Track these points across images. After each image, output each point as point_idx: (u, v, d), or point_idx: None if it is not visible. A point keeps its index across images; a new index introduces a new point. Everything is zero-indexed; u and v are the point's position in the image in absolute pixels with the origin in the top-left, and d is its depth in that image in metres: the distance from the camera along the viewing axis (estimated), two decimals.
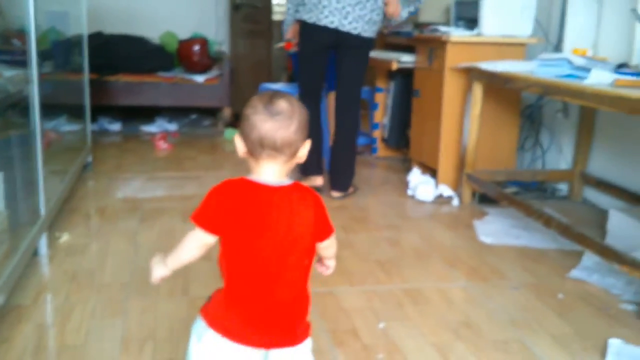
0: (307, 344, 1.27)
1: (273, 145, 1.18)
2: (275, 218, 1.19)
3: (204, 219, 1.19)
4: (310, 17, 3.01)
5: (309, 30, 3.05)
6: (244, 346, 1.18)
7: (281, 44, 3.51)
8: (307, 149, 1.24)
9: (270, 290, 1.20)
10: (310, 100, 3.16)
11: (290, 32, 3.25)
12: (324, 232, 1.28)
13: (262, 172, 1.21)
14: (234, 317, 1.20)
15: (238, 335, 1.19)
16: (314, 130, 3.24)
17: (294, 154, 1.21)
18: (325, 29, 2.98)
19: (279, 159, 1.20)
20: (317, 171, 3.25)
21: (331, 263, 1.38)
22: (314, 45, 3.08)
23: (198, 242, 1.21)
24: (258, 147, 1.19)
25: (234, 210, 1.18)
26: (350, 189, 3.19)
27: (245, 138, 1.20)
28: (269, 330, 1.20)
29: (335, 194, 3.15)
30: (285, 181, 1.22)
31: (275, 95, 1.21)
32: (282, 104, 1.19)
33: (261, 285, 1.20)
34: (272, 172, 1.21)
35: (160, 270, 1.26)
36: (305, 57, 3.18)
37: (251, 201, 1.19)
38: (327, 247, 1.32)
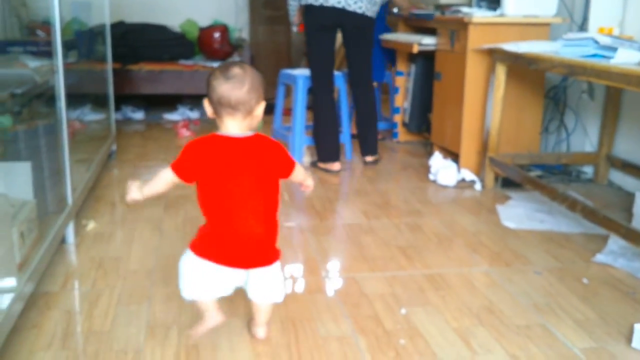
0: (278, 265, 1.60)
1: (229, 103, 1.48)
2: (240, 163, 1.50)
3: (180, 168, 1.51)
4: (316, 0, 3.13)
5: (315, 13, 3.17)
6: (221, 265, 1.53)
7: (296, 27, 3.57)
8: (263, 108, 1.53)
9: (242, 222, 1.51)
10: (323, 84, 3.26)
11: (297, 17, 3.40)
12: (287, 169, 1.59)
13: (226, 128, 1.51)
14: (216, 246, 1.53)
15: (220, 259, 1.52)
16: (329, 116, 3.29)
17: (249, 111, 1.50)
18: (332, 10, 3.12)
19: (237, 115, 1.49)
20: (335, 157, 3.29)
21: (308, 182, 1.69)
22: (321, 27, 3.20)
23: (169, 181, 1.53)
24: (218, 106, 1.49)
25: (205, 160, 1.49)
26: (377, 156, 3.49)
27: (210, 100, 1.50)
28: (246, 254, 1.53)
29: (369, 158, 3.45)
30: (248, 133, 1.53)
31: (231, 63, 1.51)
32: (235, 70, 1.49)
33: (234, 219, 1.51)
34: (233, 126, 1.51)
35: (135, 194, 1.55)
36: (314, 40, 3.29)
37: (219, 151, 1.50)
38: (296, 177, 1.63)
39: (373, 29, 3.32)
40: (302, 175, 1.66)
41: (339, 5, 3.11)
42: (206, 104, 1.52)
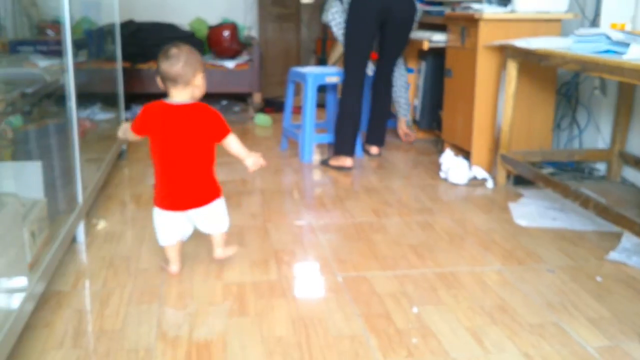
0: (219, 202, 2.01)
1: (169, 76, 1.88)
2: (178, 125, 1.89)
3: (134, 126, 1.95)
4: None
5: (360, 3, 3.21)
6: (170, 211, 1.95)
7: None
8: (201, 79, 1.91)
9: (177, 173, 1.92)
10: (357, 77, 3.29)
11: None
12: (219, 134, 1.95)
13: (171, 96, 1.91)
14: (162, 195, 1.96)
15: (165, 205, 1.96)
16: (356, 110, 3.30)
17: (187, 82, 1.88)
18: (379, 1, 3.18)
19: (178, 86, 1.89)
20: (350, 152, 3.27)
21: (248, 162, 2.02)
22: (365, 20, 3.20)
23: (131, 135, 1.98)
24: (164, 80, 1.90)
25: (152, 120, 1.91)
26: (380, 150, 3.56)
27: (159, 76, 1.90)
28: (185, 197, 1.94)
29: (374, 150, 3.55)
30: (188, 101, 1.91)
31: (170, 45, 1.90)
32: (172, 50, 1.88)
33: (171, 170, 1.92)
34: (176, 95, 1.91)
35: (121, 133, 2.06)
36: (353, 36, 3.27)
37: (163, 114, 1.90)
38: (229, 146, 1.99)
39: (412, 24, 3.39)
40: (237, 147, 2.00)
41: None
42: (158, 79, 1.92)
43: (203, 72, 1.93)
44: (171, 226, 1.98)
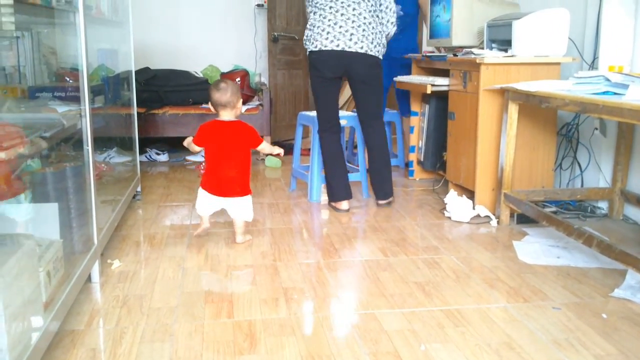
0: (248, 197, 2.80)
1: (220, 103, 2.73)
2: (226, 135, 2.74)
3: (196, 139, 2.78)
4: (315, 46, 3.18)
5: (315, 59, 3.21)
6: (212, 194, 2.77)
7: None
8: (241, 103, 2.78)
9: (224, 169, 2.73)
10: (330, 131, 3.31)
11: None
12: (254, 143, 2.79)
13: (221, 116, 2.76)
14: (209, 182, 2.77)
15: (209, 189, 2.77)
16: (335, 156, 3.33)
17: (233, 106, 2.74)
18: (331, 53, 3.14)
19: (227, 109, 2.74)
20: (343, 197, 3.35)
21: (276, 151, 2.95)
22: (323, 74, 3.22)
23: (193, 147, 2.81)
24: (215, 105, 2.75)
25: (208, 134, 2.75)
26: (391, 198, 3.47)
27: (211, 103, 2.76)
28: (225, 188, 2.75)
29: (381, 202, 3.45)
30: (234, 119, 2.77)
31: (219, 80, 2.78)
32: (221, 84, 2.73)
33: (219, 167, 2.73)
34: (225, 115, 2.75)
35: (186, 143, 2.84)
36: (316, 89, 3.32)
37: (215, 129, 2.75)
38: (263, 150, 2.87)
39: (378, 68, 3.24)
40: (268, 149, 2.90)
41: (338, 48, 3.12)
42: (210, 105, 2.78)
43: (241, 99, 2.79)
44: (208, 204, 2.80)
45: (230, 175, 2.72)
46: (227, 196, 2.74)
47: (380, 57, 3.24)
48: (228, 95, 2.70)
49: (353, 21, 3.11)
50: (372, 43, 3.15)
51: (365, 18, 3.13)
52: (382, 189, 3.42)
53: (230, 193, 2.74)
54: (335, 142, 3.36)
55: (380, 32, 3.19)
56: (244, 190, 2.76)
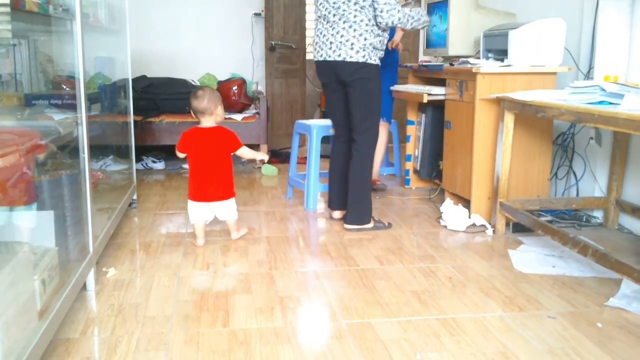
0: (232, 200, 2.93)
1: (198, 110, 2.83)
2: (206, 141, 2.83)
3: (179, 147, 2.88)
4: (314, 56, 3.23)
5: (315, 68, 3.26)
6: (198, 202, 2.87)
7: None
8: (220, 109, 2.86)
9: (207, 176, 2.83)
10: (338, 139, 3.30)
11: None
12: (234, 147, 2.89)
13: (201, 123, 2.86)
14: (194, 190, 2.87)
15: (195, 198, 2.88)
16: (337, 165, 3.30)
17: (211, 113, 2.84)
18: (321, 64, 3.17)
19: (205, 115, 2.84)
20: (338, 206, 3.35)
21: (259, 157, 3.08)
22: (323, 82, 3.26)
23: (178, 154, 2.90)
24: (195, 112, 2.86)
25: (189, 140, 2.85)
26: (367, 225, 3.16)
27: (192, 110, 2.87)
28: (208, 193, 2.86)
29: (346, 225, 3.18)
30: (214, 125, 2.87)
31: (199, 87, 3.00)
32: (199, 92, 2.83)
33: (202, 173, 2.83)
34: (205, 122, 2.86)
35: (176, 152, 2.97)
36: (324, 93, 3.37)
37: (196, 135, 2.85)
38: (243, 154, 2.98)
39: (364, 73, 3.04)
40: (250, 154, 3.00)
41: (321, 58, 3.13)
42: (192, 112, 2.88)
43: (221, 105, 2.87)
44: (198, 211, 2.89)
45: (212, 179, 2.84)
46: (212, 200, 2.87)
47: (368, 60, 3.02)
48: (205, 102, 2.79)
49: (333, 27, 3.06)
50: (351, 49, 2.99)
51: (345, 22, 3.00)
52: (349, 211, 3.18)
53: (215, 197, 2.87)
54: (339, 152, 3.29)
55: (368, 31, 3.00)
56: (227, 194, 2.89)
